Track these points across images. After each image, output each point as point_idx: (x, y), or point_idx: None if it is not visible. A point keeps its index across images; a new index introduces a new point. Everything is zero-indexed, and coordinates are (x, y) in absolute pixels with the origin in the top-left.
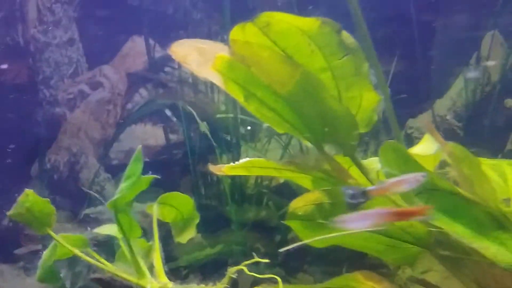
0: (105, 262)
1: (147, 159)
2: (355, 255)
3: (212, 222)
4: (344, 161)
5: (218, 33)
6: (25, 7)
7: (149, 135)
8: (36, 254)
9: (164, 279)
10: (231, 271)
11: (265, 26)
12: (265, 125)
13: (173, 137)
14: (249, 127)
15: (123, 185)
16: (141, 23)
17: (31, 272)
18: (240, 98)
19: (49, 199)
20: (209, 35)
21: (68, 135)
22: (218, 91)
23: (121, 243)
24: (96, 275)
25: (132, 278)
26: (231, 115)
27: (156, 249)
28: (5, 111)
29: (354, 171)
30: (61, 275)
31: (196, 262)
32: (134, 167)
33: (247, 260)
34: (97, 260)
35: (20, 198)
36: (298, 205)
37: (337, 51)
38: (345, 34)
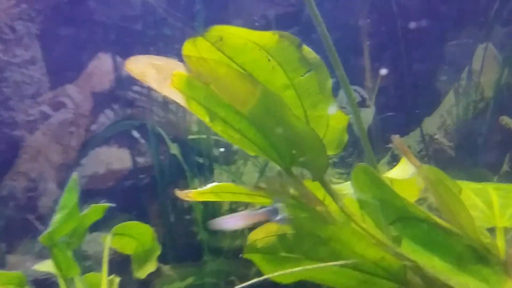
0: None
1: (111, 184)
2: None
3: (182, 252)
4: (317, 186)
5: None
6: None
7: (114, 158)
8: None
9: None
10: None
11: (218, 41)
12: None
13: (140, 160)
14: (222, 149)
15: (56, 217)
16: (108, 40)
17: None
18: (205, 118)
19: None
20: (181, 52)
21: (27, 160)
22: None
23: (59, 280)
24: None
25: None
26: (204, 136)
27: (103, 284)
28: None
29: (327, 197)
30: None
31: None
32: (68, 197)
33: None
34: None
35: None
36: (258, 236)
37: (299, 67)
38: (306, 49)
